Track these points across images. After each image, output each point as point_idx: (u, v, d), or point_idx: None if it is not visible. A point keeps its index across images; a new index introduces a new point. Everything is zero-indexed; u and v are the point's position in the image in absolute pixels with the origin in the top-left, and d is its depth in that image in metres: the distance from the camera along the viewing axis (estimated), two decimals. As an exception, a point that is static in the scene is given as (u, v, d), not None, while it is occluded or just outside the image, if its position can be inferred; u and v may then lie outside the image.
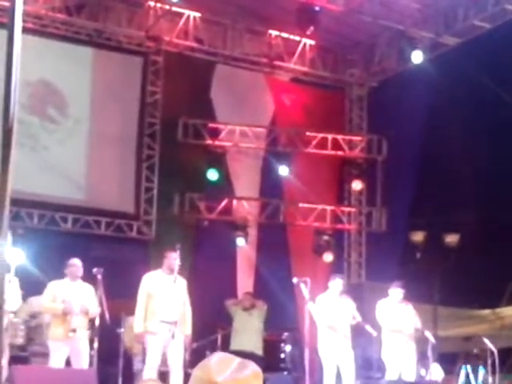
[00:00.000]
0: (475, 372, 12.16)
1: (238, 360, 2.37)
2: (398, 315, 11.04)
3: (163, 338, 9.33)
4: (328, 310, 10.69)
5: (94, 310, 9.56)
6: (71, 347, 9.35)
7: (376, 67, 16.51)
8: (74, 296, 9.48)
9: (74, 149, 14.67)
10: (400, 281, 11.41)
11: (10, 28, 2.69)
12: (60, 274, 9.85)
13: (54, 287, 9.62)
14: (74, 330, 9.28)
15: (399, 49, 15.13)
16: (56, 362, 9.29)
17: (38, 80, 14.35)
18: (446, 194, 14.62)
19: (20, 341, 10.52)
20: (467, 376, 12.19)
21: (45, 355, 10.01)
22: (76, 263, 9.70)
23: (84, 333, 9.47)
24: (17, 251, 10.55)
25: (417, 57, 14.46)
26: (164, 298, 9.48)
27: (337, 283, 10.97)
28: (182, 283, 9.73)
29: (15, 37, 2.75)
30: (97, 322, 9.56)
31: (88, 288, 9.68)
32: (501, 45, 13.14)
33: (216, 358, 2.38)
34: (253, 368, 2.39)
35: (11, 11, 2.70)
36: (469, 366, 12.26)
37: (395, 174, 15.77)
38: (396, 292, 11.19)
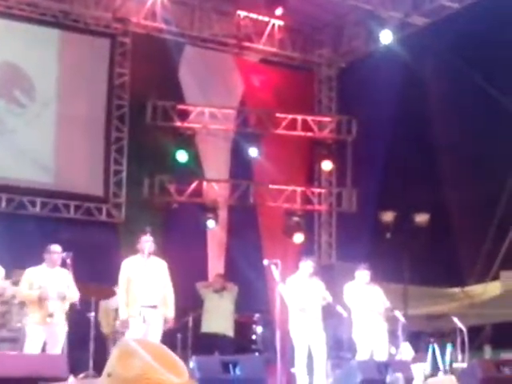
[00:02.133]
0: (444, 350, 12.27)
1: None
2: (366, 296, 11.10)
3: (144, 322, 9.33)
4: (298, 291, 10.71)
5: (73, 295, 9.49)
6: (48, 332, 9.28)
7: (345, 48, 16.52)
8: (51, 282, 9.38)
9: (41, 132, 14.52)
10: (366, 263, 11.46)
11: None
12: (29, 258, 9.75)
13: (30, 274, 9.51)
14: (51, 315, 9.20)
15: (368, 29, 15.13)
16: (32, 346, 9.21)
17: (3, 62, 14.18)
18: (415, 173, 14.68)
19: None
20: (436, 354, 12.29)
21: (14, 340, 9.93)
22: (58, 250, 9.55)
23: (62, 318, 9.39)
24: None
25: (385, 37, 14.47)
26: (143, 283, 9.46)
27: (307, 265, 10.98)
28: (161, 265, 9.72)
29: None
30: (66, 307, 9.49)
31: (66, 273, 9.58)
32: (469, 25, 13.16)
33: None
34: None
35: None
36: (437, 345, 12.36)
37: (365, 154, 15.80)
38: (362, 274, 11.26)
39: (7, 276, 10.32)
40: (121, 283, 9.61)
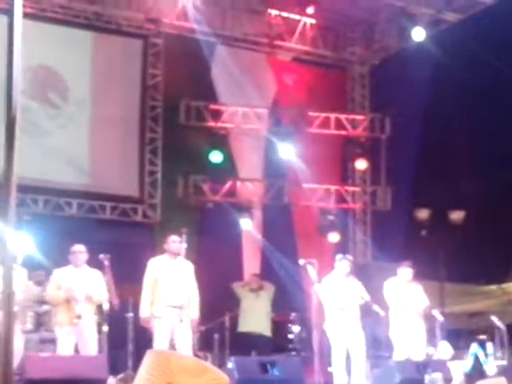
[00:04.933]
0: (483, 348, 12.16)
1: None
2: (406, 294, 11.00)
3: (170, 323, 9.31)
4: (336, 291, 10.65)
5: (101, 295, 9.48)
6: (78, 334, 9.27)
7: (377, 45, 16.45)
8: (78, 283, 9.40)
9: (76, 133, 14.63)
10: (409, 260, 11.37)
11: (10, 13, 2.65)
12: (66, 260, 9.80)
13: (58, 275, 9.54)
14: (78, 317, 9.18)
15: (400, 26, 15.05)
16: (63, 348, 9.23)
17: (37, 65, 14.27)
18: (449, 170, 14.60)
19: (29, 327, 10.47)
20: (475, 353, 12.19)
21: (53, 341, 9.97)
22: (79, 250, 9.57)
23: (91, 319, 9.38)
24: (24, 238, 10.54)
25: (418, 34, 14.39)
26: (170, 283, 9.45)
27: (343, 264, 10.91)
28: (188, 267, 9.70)
29: (15, 22, 2.70)
30: (105, 307, 9.52)
31: (95, 274, 9.61)
32: (501, 20, 13.06)
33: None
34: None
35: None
36: (476, 343, 12.26)
37: (399, 151, 15.72)
38: (405, 271, 11.16)
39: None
40: (146, 282, 9.56)
